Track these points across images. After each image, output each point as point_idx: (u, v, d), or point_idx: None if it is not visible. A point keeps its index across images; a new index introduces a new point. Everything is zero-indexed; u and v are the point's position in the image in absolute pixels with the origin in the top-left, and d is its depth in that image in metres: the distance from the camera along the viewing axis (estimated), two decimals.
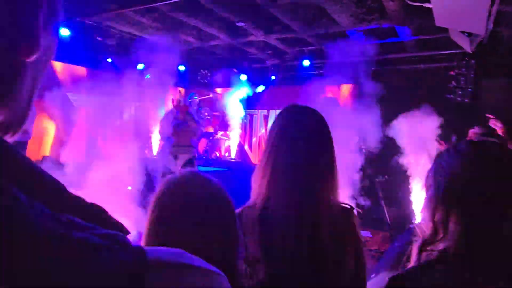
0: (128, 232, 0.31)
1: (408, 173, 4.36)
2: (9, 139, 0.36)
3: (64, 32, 5.49)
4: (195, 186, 0.86)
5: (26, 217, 0.23)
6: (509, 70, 4.87)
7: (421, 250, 0.89)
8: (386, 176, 4.93)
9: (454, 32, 3.05)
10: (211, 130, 6.61)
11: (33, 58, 0.30)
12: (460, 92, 4.78)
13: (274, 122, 1.14)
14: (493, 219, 0.81)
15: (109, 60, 6.61)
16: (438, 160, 0.93)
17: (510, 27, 3.65)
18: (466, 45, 3.32)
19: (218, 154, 6.18)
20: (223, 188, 0.88)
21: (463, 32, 2.83)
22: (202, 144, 6.23)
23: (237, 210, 1.11)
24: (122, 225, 0.33)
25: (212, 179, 0.89)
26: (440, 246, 0.86)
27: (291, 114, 1.14)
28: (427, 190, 0.94)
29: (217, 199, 0.86)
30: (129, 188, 4.27)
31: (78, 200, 0.31)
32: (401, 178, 4.60)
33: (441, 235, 0.86)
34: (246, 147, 7.65)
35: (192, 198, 0.84)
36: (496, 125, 3.20)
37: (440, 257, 0.84)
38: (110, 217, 0.33)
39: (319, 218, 1.04)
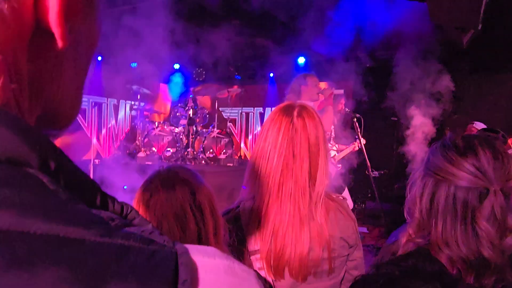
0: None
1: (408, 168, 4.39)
2: (58, 135, 0.36)
3: None
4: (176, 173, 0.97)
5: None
6: (503, 65, 4.91)
7: (407, 240, 0.92)
8: (382, 172, 4.96)
9: (448, 27, 3.07)
10: (207, 128, 6.60)
11: (63, 49, 0.29)
12: (454, 87, 4.81)
13: (264, 123, 1.17)
14: (470, 218, 0.82)
15: (99, 58, 6.56)
16: (427, 155, 0.95)
17: (504, 23, 3.68)
18: (460, 40, 3.34)
19: (214, 152, 6.17)
20: (199, 176, 0.99)
21: (456, 28, 2.84)
22: (198, 143, 6.22)
23: (234, 204, 1.16)
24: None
25: (189, 169, 1.01)
26: (423, 235, 0.89)
27: (276, 111, 1.15)
28: (415, 180, 0.96)
29: (191, 182, 0.96)
30: (125, 187, 4.27)
31: (113, 199, 0.31)
32: (398, 172, 4.63)
33: (425, 231, 0.89)
34: (242, 145, 7.65)
35: (167, 180, 0.94)
36: None
37: (417, 249, 0.87)
38: (144, 219, 0.32)
39: (313, 209, 1.07)
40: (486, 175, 0.81)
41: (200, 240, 0.89)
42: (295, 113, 1.11)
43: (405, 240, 0.93)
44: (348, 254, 1.13)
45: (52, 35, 0.28)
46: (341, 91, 3.62)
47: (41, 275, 0.20)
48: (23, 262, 0.20)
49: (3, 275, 0.19)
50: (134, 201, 0.94)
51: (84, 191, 0.28)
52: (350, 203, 4.04)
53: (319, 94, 3.37)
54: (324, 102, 3.54)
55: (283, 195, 1.07)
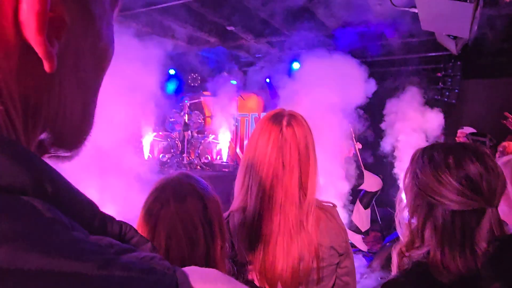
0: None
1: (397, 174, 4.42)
2: (70, 156, 0.34)
3: None
4: (183, 181, 0.92)
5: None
6: (493, 71, 4.98)
7: (400, 257, 0.92)
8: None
9: (440, 35, 3.12)
10: (202, 134, 6.60)
11: (53, 68, 0.27)
12: (447, 93, 4.87)
13: (253, 130, 1.15)
14: (468, 226, 0.82)
15: None
16: (413, 164, 0.94)
17: (494, 30, 3.75)
18: (452, 48, 3.39)
19: (209, 158, 6.17)
20: (210, 188, 0.94)
21: (448, 35, 2.89)
22: (194, 148, 6.21)
23: (225, 214, 1.13)
24: (155, 247, 0.32)
25: (201, 180, 0.95)
26: (417, 252, 0.89)
27: (265, 120, 1.13)
28: (405, 192, 0.96)
29: (203, 195, 0.91)
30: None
31: (111, 219, 0.30)
32: (392, 178, 4.66)
33: (418, 244, 0.89)
34: (237, 150, 7.65)
35: (179, 191, 0.89)
36: None
37: (417, 264, 0.87)
38: (142, 237, 0.32)
39: (304, 219, 1.06)
40: (483, 195, 0.80)
41: (208, 255, 0.86)
42: (284, 122, 1.09)
43: (397, 257, 0.93)
44: (339, 262, 1.12)
45: (34, 54, 0.26)
46: None
47: None
48: None
49: None
50: (142, 210, 0.89)
51: (83, 213, 0.27)
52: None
53: None
54: None
55: (273, 205, 1.05)
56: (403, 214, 0.95)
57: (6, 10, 0.24)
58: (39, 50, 0.25)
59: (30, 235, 0.21)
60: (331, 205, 1.15)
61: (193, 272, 0.26)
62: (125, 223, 0.31)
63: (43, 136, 0.29)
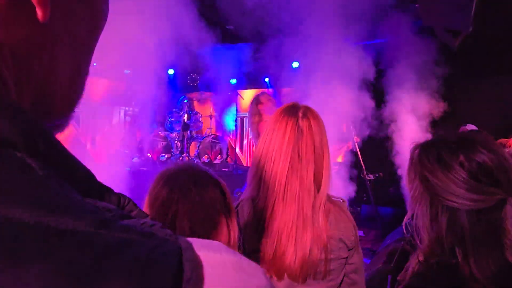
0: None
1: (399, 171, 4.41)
2: (60, 126, 0.32)
3: None
4: (190, 170, 0.89)
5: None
6: (494, 67, 4.97)
7: (419, 261, 0.86)
8: (377, 175, 4.97)
9: (439, 31, 3.11)
10: (201, 133, 6.59)
11: (46, 19, 0.25)
12: (446, 90, 4.85)
13: (268, 120, 1.16)
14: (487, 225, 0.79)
15: (94, 64, 6.55)
16: (417, 166, 0.89)
17: (493, 27, 3.74)
18: (451, 44, 3.37)
19: (209, 157, 6.15)
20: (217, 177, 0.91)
21: (448, 31, 2.88)
22: (193, 148, 6.20)
23: (235, 203, 1.13)
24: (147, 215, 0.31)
25: (209, 169, 0.93)
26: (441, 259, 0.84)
27: (280, 112, 1.14)
28: (414, 200, 0.91)
29: (220, 183, 0.89)
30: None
31: (109, 190, 0.29)
32: (392, 176, 4.65)
33: (439, 252, 0.83)
34: (237, 149, 7.63)
35: (198, 179, 0.86)
36: None
37: (444, 266, 0.82)
38: (142, 211, 0.30)
39: (316, 211, 1.06)
40: (501, 185, 0.77)
41: (229, 243, 0.84)
42: (300, 114, 1.10)
43: (415, 265, 0.87)
44: (347, 257, 1.11)
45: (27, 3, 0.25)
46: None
47: (27, 270, 0.17)
48: (9, 253, 0.18)
49: None
50: (154, 201, 0.84)
51: (78, 179, 0.25)
52: None
53: (275, 106, 3.70)
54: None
55: (288, 196, 1.06)
56: (417, 221, 0.88)
57: None
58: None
59: (23, 188, 0.20)
60: (341, 200, 1.16)
61: (196, 241, 0.25)
62: (123, 195, 0.30)
63: (34, 100, 0.28)
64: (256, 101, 3.75)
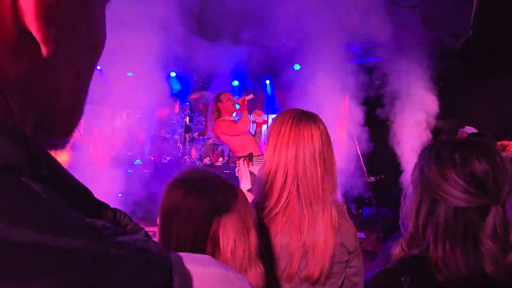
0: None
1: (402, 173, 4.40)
2: (59, 145, 0.34)
3: None
4: (202, 174, 0.88)
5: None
6: (495, 69, 4.97)
7: (402, 249, 0.91)
8: (378, 177, 4.97)
9: (440, 34, 3.12)
10: (203, 135, 6.60)
11: (50, 54, 0.27)
12: (447, 92, 4.85)
13: (272, 128, 1.16)
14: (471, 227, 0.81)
15: (99, 67, 6.58)
16: (421, 160, 0.93)
17: (495, 28, 3.74)
18: (453, 45, 3.38)
19: (211, 160, 6.16)
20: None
21: (449, 34, 2.89)
22: (195, 150, 6.22)
23: None
24: (144, 230, 0.32)
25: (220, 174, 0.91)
26: (417, 249, 0.88)
27: (298, 119, 1.15)
28: (412, 188, 0.95)
29: (227, 185, 0.87)
30: (120, 195, 4.25)
31: (106, 206, 0.30)
32: (394, 177, 4.64)
33: (418, 240, 0.88)
34: None
35: (227, 183, 0.86)
36: None
37: (415, 256, 0.86)
38: (137, 225, 0.32)
39: (326, 218, 1.07)
40: (488, 192, 0.79)
41: (250, 249, 0.84)
42: (313, 120, 1.13)
43: (397, 252, 0.92)
44: (348, 260, 1.12)
45: (32, 40, 0.27)
46: (251, 96, 3.94)
47: (29, 285, 0.19)
48: (10, 271, 0.19)
49: None
50: (188, 212, 0.81)
51: (78, 198, 0.27)
52: None
53: (234, 105, 3.79)
54: (240, 109, 3.89)
55: (303, 202, 1.07)
56: (407, 210, 0.94)
57: None
58: (37, 34, 0.26)
59: (26, 211, 0.21)
60: (340, 203, 1.18)
61: (186, 255, 0.27)
62: (119, 210, 0.32)
63: (37, 122, 0.30)
64: (216, 99, 3.82)
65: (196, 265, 0.26)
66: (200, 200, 0.81)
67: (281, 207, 1.08)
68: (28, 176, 0.23)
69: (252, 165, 3.59)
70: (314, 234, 1.06)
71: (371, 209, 4.82)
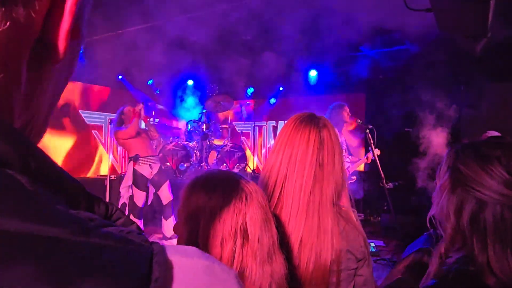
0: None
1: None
2: None
3: None
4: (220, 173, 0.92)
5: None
6: None
7: (440, 261, 0.86)
8: (397, 183, 4.87)
9: (458, 38, 3.05)
10: (220, 142, 6.66)
11: (59, 63, 0.30)
12: (469, 96, 4.73)
13: (281, 131, 1.15)
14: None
15: (120, 77, 6.77)
16: (450, 161, 0.90)
17: None
18: (472, 50, 3.30)
19: (227, 166, 6.20)
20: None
21: (466, 36, 2.82)
22: (212, 157, 6.27)
23: None
24: (137, 225, 0.33)
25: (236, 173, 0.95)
26: (455, 256, 0.84)
27: (300, 121, 1.14)
28: (441, 190, 0.91)
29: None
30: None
31: (98, 200, 0.31)
32: (413, 184, 4.53)
33: (458, 245, 0.84)
34: (255, 158, 7.66)
35: (251, 183, 0.89)
36: None
37: (458, 271, 0.81)
38: (129, 219, 0.33)
39: (334, 224, 1.06)
40: None
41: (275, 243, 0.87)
42: (320, 124, 1.11)
43: (437, 260, 0.86)
44: (356, 268, 1.09)
45: (49, 49, 0.29)
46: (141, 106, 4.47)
47: (11, 271, 0.20)
48: None
49: None
50: (212, 210, 0.84)
51: (68, 192, 0.28)
52: None
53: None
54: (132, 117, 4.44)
55: (311, 206, 1.05)
56: (442, 213, 0.89)
57: (42, 8, 0.28)
58: (61, 45, 0.29)
59: (12, 202, 0.22)
60: (346, 209, 1.14)
61: (171, 247, 0.27)
62: (112, 204, 0.32)
63: (22, 127, 0.31)
64: (121, 112, 4.31)
65: (179, 256, 0.27)
66: (224, 197, 0.84)
67: (273, 210, 1.07)
68: (16, 169, 0.24)
69: (139, 165, 4.16)
70: (324, 242, 1.03)
71: (390, 216, 4.71)
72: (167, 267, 0.25)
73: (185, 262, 0.27)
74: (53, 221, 0.22)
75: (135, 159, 4.13)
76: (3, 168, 0.23)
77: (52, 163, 0.27)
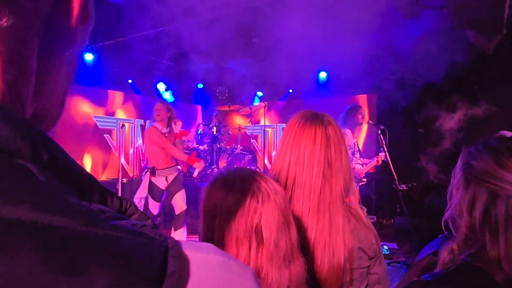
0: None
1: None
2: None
3: (88, 56, 5.75)
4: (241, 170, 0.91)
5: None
6: None
7: (450, 256, 0.85)
8: (410, 185, 4.79)
9: (472, 35, 2.99)
10: (230, 145, 6.67)
11: (70, 51, 0.31)
12: (481, 96, 4.64)
13: (285, 131, 1.14)
14: None
15: (130, 81, 6.85)
16: (464, 158, 0.89)
17: None
18: (486, 47, 3.24)
19: None
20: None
21: (480, 34, 2.77)
22: (223, 160, 6.28)
23: None
24: (149, 217, 0.33)
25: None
26: (467, 251, 0.82)
27: (304, 120, 1.13)
28: (456, 190, 0.89)
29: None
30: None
31: (112, 194, 0.31)
32: (426, 185, 4.46)
33: (472, 241, 0.82)
34: (266, 161, 7.64)
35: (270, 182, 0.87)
36: None
37: (464, 264, 0.80)
38: (143, 214, 0.33)
39: (345, 222, 1.05)
40: None
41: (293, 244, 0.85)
42: (326, 122, 1.10)
43: (447, 255, 0.85)
44: (369, 266, 1.08)
45: (59, 38, 0.30)
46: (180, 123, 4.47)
47: (20, 259, 0.20)
48: (4, 245, 0.20)
49: None
50: (233, 210, 0.83)
51: (80, 185, 0.28)
52: None
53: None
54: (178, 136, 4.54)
55: (322, 205, 1.04)
56: (457, 212, 0.87)
57: (75, 6, 0.30)
58: (71, 32, 0.31)
59: (23, 191, 0.22)
60: (357, 207, 1.13)
61: (185, 242, 0.27)
62: (125, 199, 0.32)
63: (33, 115, 0.31)
64: (154, 108, 4.15)
65: (194, 251, 0.26)
66: (240, 196, 0.83)
67: (302, 212, 1.06)
68: (29, 159, 0.24)
69: (155, 177, 4.08)
70: (336, 241, 1.02)
71: (404, 218, 4.64)
72: (183, 261, 0.25)
73: (200, 257, 0.26)
74: (63, 211, 0.22)
75: (152, 172, 4.05)
76: (15, 158, 0.23)
77: (65, 155, 0.27)
